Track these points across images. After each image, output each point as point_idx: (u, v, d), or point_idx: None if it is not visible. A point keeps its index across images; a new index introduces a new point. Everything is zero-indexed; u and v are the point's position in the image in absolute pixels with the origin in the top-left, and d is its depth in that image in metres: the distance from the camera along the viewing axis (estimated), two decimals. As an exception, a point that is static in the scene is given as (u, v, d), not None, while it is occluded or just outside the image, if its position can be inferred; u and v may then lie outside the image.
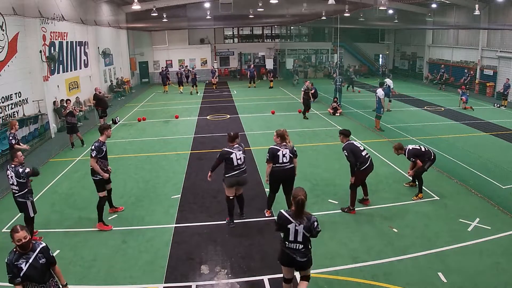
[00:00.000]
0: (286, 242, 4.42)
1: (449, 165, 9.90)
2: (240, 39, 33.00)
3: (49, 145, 12.67)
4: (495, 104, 19.15)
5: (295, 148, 6.94)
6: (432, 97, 21.47)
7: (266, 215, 7.27)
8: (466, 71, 24.04)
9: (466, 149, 11.11)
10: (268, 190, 7.21)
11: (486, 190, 8.31)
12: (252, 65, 27.52)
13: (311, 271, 4.71)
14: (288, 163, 6.77)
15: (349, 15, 21.60)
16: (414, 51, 30.65)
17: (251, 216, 7.29)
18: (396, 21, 27.35)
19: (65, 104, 12.86)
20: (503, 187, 8.56)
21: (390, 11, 26.01)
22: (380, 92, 13.56)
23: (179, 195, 8.33)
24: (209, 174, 6.85)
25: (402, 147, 8.00)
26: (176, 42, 30.08)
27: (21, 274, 3.83)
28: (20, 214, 6.61)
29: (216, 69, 28.05)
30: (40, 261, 3.94)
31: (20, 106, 12.26)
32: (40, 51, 13.31)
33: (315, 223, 4.36)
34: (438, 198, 7.97)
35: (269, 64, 30.55)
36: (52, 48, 14.55)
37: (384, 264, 5.74)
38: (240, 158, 6.65)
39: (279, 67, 31.68)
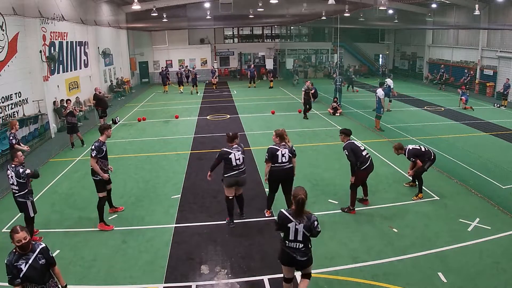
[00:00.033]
0: (286, 241, 4.42)
1: (449, 165, 9.90)
2: (240, 39, 32.99)
3: (49, 145, 12.67)
4: (495, 104, 19.15)
5: (294, 148, 6.95)
6: (432, 97, 21.47)
7: (266, 215, 7.27)
8: (466, 71, 24.04)
9: (466, 149, 11.11)
10: (268, 190, 7.22)
11: (486, 190, 8.31)
12: (252, 65, 27.54)
13: (312, 271, 4.71)
14: (287, 163, 6.79)
15: (349, 15, 21.61)
16: (414, 51, 30.64)
17: (251, 216, 7.29)
18: (396, 21, 27.34)
19: (65, 104, 12.86)
20: (503, 187, 8.57)
21: (390, 11, 26.01)
22: (380, 92, 13.56)
23: (179, 195, 8.33)
24: (209, 173, 6.87)
25: (402, 147, 8.01)
26: (176, 42, 30.07)
27: (21, 275, 3.82)
28: (20, 214, 6.62)
29: (216, 69, 28.03)
30: (40, 262, 3.93)
31: (20, 106, 12.26)
32: (40, 51, 13.31)
33: (315, 223, 4.36)
34: (438, 198, 7.97)
35: (269, 64, 30.53)
36: (52, 48, 14.55)
37: (384, 264, 5.74)
38: (239, 159, 6.65)
39: (279, 67, 31.67)
